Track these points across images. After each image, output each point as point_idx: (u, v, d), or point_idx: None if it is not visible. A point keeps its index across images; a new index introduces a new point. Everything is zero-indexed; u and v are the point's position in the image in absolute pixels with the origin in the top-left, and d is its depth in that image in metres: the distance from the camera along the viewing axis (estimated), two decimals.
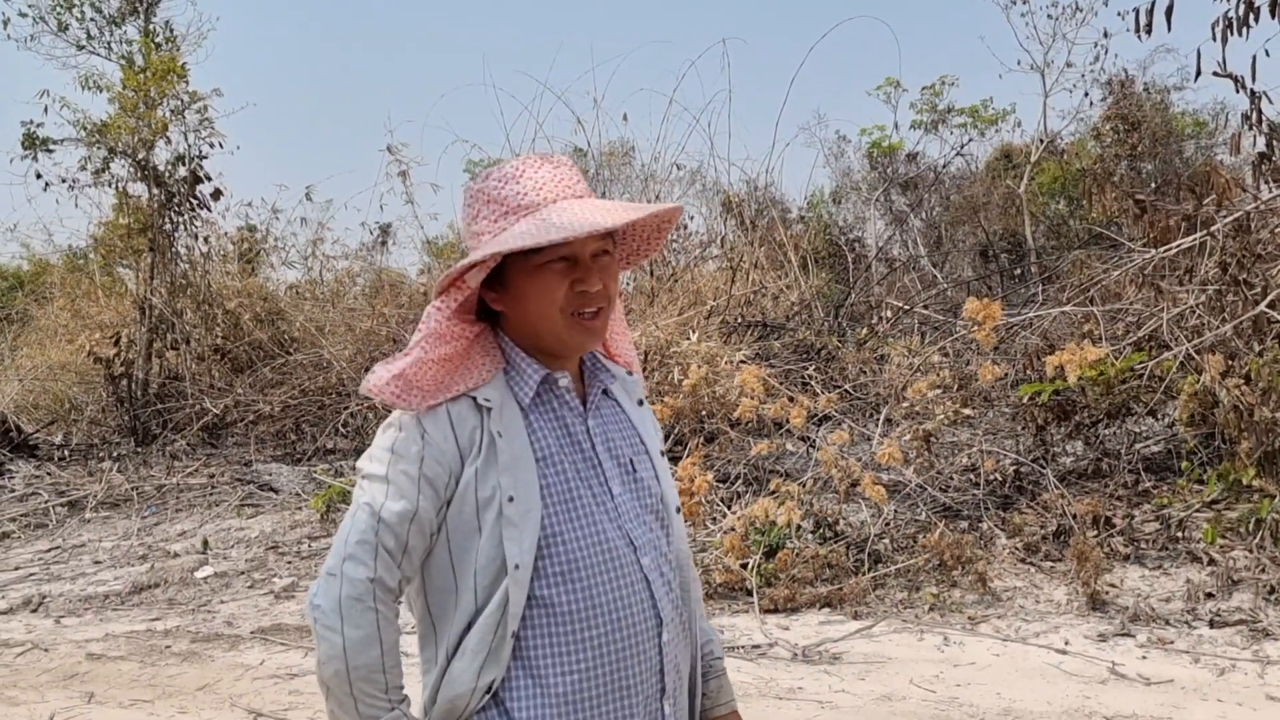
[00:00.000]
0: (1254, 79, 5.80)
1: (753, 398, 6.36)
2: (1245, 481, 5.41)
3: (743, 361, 7.64)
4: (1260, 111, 5.96)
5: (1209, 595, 4.93)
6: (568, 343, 1.53)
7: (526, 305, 1.51)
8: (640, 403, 1.69)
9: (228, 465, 9.73)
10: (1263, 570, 4.99)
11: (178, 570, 6.81)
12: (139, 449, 10.61)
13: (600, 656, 1.48)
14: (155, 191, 11.42)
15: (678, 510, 1.67)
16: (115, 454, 10.39)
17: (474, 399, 1.48)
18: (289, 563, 6.90)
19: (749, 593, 5.34)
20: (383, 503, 1.44)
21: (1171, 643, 4.52)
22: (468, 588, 1.45)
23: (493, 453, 1.45)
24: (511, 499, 1.44)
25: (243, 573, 6.73)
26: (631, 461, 1.60)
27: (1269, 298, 5.60)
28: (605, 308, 1.54)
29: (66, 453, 10.75)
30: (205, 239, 12.16)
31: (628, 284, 10.71)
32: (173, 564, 6.99)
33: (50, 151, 11.41)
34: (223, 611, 5.98)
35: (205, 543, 7.39)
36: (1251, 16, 5.55)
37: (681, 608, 1.62)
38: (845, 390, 7.84)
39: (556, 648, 1.46)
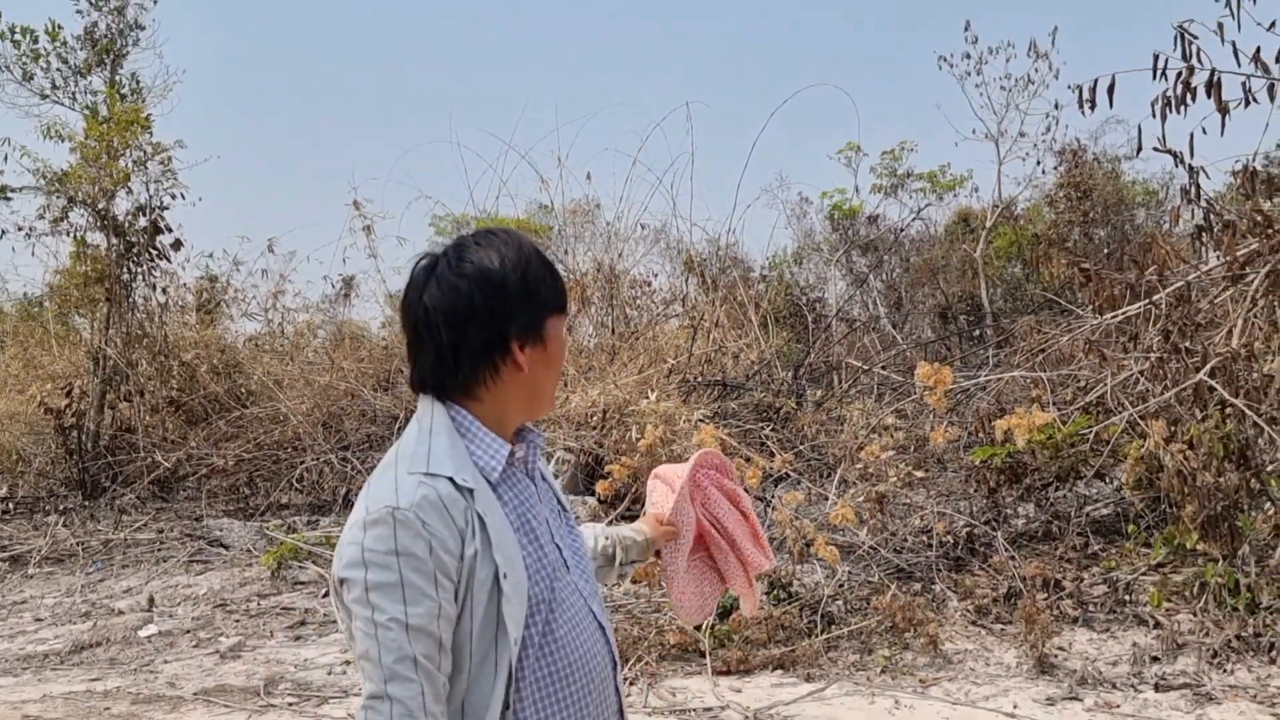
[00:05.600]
0: (1192, 154, 6.01)
1: None
2: (1189, 545, 5.49)
3: (701, 421, 7.67)
4: (1199, 186, 6.16)
5: (1154, 659, 4.98)
6: (548, 407, 1.67)
7: (552, 368, 1.60)
8: (547, 459, 1.76)
9: (178, 520, 9.55)
10: (1206, 634, 5.05)
11: (121, 628, 6.64)
12: (86, 502, 10.38)
13: (579, 710, 1.52)
14: (114, 241, 11.34)
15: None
16: (61, 507, 10.17)
17: (452, 480, 1.47)
18: (237, 621, 6.76)
19: (702, 654, 5.32)
20: (405, 609, 1.39)
21: (1117, 706, 4.56)
22: (463, 663, 1.45)
23: (485, 533, 1.46)
24: (505, 575, 1.45)
25: (188, 631, 6.59)
26: (561, 515, 1.67)
27: (1208, 365, 5.75)
28: None
29: (11, 506, 10.51)
30: (164, 289, 12.07)
31: (589, 341, 10.76)
32: (116, 622, 6.82)
33: (8, 200, 11.33)
34: (166, 671, 5.84)
35: (151, 600, 7.23)
36: (1189, 96, 5.77)
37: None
38: (801, 450, 7.89)
39: (543, 709, 1.49)
